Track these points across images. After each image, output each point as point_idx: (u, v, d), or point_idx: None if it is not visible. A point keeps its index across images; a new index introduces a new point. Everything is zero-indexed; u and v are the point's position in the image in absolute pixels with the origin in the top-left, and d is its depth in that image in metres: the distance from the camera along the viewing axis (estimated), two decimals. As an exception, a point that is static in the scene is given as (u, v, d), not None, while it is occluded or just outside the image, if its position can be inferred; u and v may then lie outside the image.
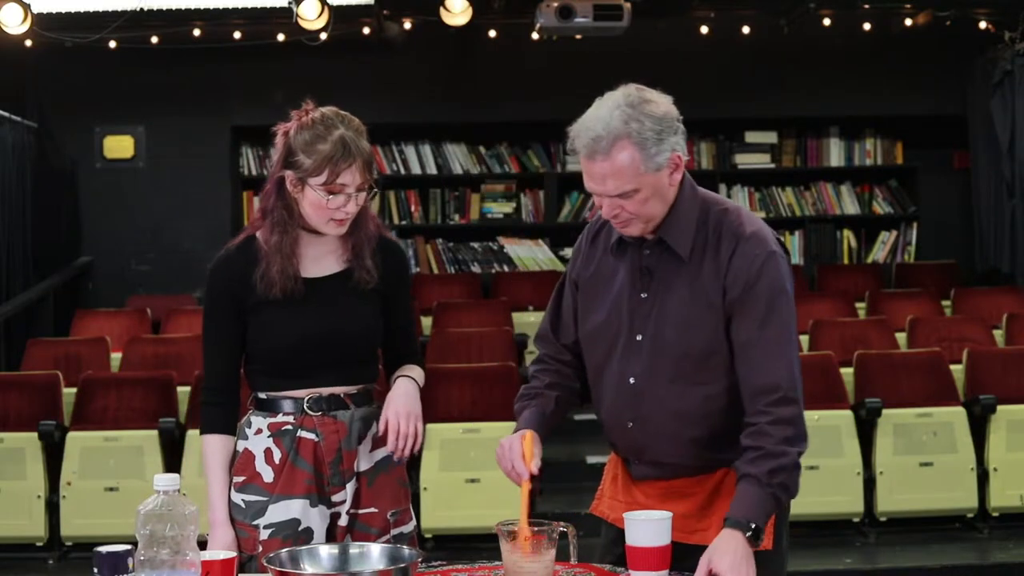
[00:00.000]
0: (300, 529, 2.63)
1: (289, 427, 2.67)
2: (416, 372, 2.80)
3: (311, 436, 2.66)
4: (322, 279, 2.69)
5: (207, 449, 2.69)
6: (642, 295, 2.50)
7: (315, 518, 2.65)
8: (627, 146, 2.36)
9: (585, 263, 2.62)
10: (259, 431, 2.68)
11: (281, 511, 2.64)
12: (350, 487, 2.67)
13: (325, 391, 2.68)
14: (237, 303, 2.68)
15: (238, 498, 2.66)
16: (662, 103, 2.42)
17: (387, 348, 2.82)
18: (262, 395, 2.72)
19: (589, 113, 2.40)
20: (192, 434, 6.10)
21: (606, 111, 2.37)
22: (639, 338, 2.49)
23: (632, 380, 2.49)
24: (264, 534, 2.63)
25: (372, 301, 2.73)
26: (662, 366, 2.47)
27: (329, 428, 2.67)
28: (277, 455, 2.66)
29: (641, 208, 2.41)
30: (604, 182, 2.38)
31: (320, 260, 2.71)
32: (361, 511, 2.69)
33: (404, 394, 2.70)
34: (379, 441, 2.72)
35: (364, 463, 2.70)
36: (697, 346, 2.44)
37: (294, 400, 2.68)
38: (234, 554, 2.21)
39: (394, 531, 2.71)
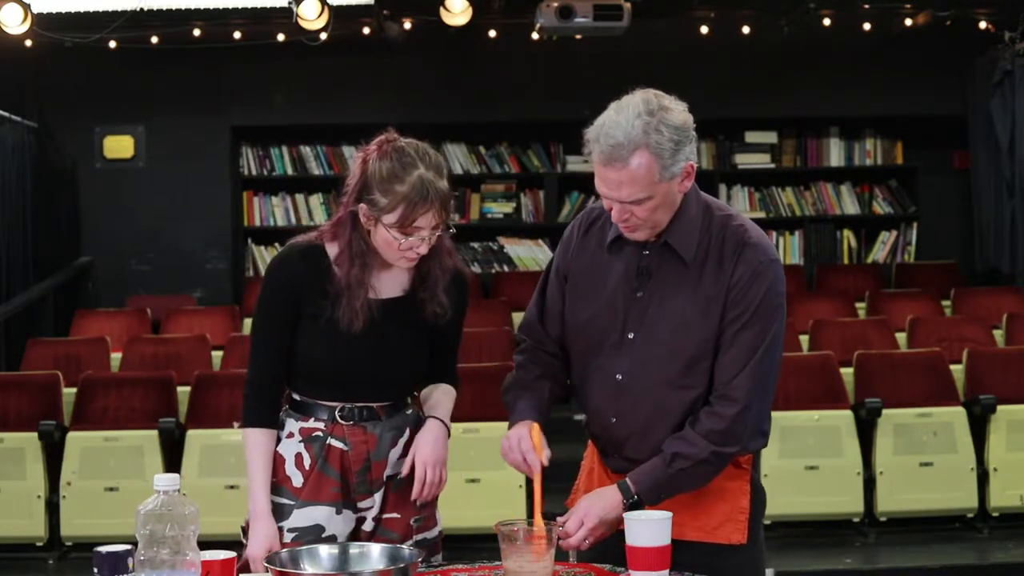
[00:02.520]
0: (323, 536, 2.63)
1: (319, 434, 2.66)
2: (448, 400, 2.77)
3: (340, 445, 2.66)
4: (380, 302, 2.64)
5: (249, 442, 2.67)
6: (637, 294, 2.51)
7: (339, 524, 2.65)
8: (646, 155, 2.36)
9: (576, 255, 2.62)
10: (291, 435, 2.68)
11: (306, 517, 2.64)
12: (378, 496, 2.67)
13: (359, 403, 2.67)
14: (292, 305, 2.64)
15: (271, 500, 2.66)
16: (679, 111, 2.42)
17: (429, 363, 2.77)
18: (297, 397, 2.71)
19: (608, 118, 2.39)
20: (192, 434, 6.10)
21: (626, 118, 2.36)
22: (631, 336, 2.50)
23: (619, 376, 2.51)
24: (287, 537, 2.63)
25: (425, 329, 2.69)
26: (651, 366, 2.48)
27: (358, 438, 2.66)
28: (307, 460, 2.66)
29: (650, 215, 2.43)
30: (619, 188, 2.39)
31: (382, 283, 2.65)
32: (384, 516, 2.69)
33: (432, 440, 2.66)
34: (409, 447, 2.71)
35: (391, 469, 2.69)
36: (689, 349, 2.46)
37: (327, 408, 2.67)
38: (232, 555, 2.19)
39: (416, 537, 2.70)
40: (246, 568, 2.57)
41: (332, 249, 2.64)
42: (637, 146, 2.35)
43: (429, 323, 2.68)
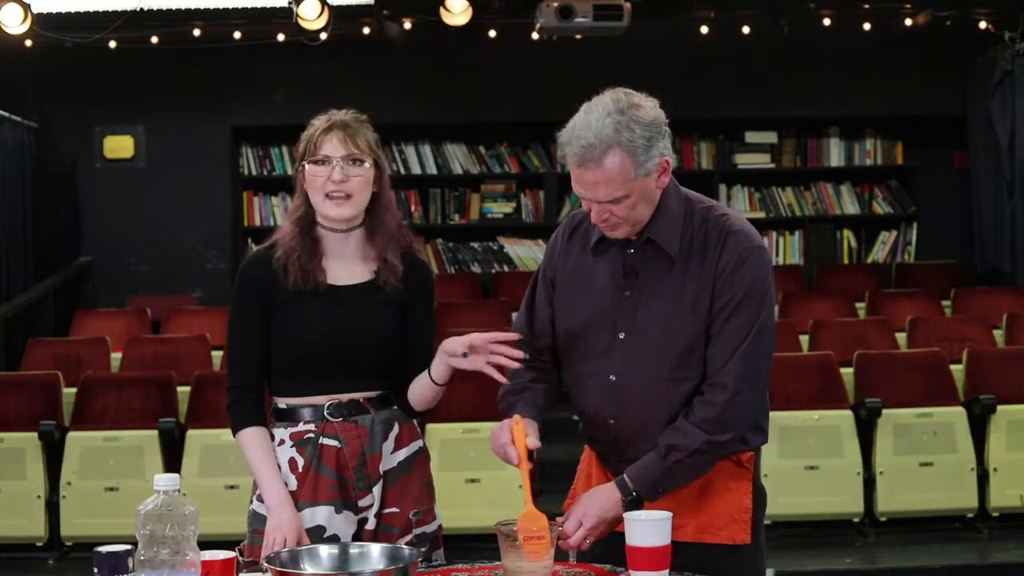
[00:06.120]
0: (325, 536, 2.62)
1: (311, 435, 2.67)
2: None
3: (333, 443, 2.66)
4: (348, 286, 2.70)
5: (246, 443, 2.68)
6: (625, 293, 2.51)
7: (341, 524, 2.65)
8: (618, 154, 2.36)
9: (562, 261, 2.63)
10: (282, 442, 2.69)
11: (306, 518, 2.63)
12: (376, 490, 2.67)
13: (345, 397, 2.67)
14: (264, 300, 2.69)
15: (264, 508, 2.65)
16: (650, 108, 2.43)
17: (405, 367, 2.76)
18: (282, 405, 2.72)
19: (579, 120, 2.40)
20: (192, 434, 6.10)
21: (596, 118, 2.37)
22: (621, 336, 2.50)
23: (613, 378, 2.51)
24: None
25: (395, 311, 2.73)
26: (644, 363, 2.48)
27: (351, 433, 2.66)
28: (301, 463, 2.66)
29: (630, 212, 2.43)
30: (595, 189, 2.40)
31: (347, 269, 2.72)
32: (384, 511, 2.69)
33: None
34: (400, 441, 2.72)
35: (386, 464, 2.70)
36: (680, 343, 2.46)
37: (314, 408, 2.68)
38: (232, 555, 2.19)
39: (416, 531, 2.70)
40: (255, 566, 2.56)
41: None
42: (609, 145, 2.36)
43: (396, 302, 2.71)
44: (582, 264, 2.59)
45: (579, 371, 2.57)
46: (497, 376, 2.52)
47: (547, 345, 2.65)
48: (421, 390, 2.72)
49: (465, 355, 2.58)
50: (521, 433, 2.45)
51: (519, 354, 2.50)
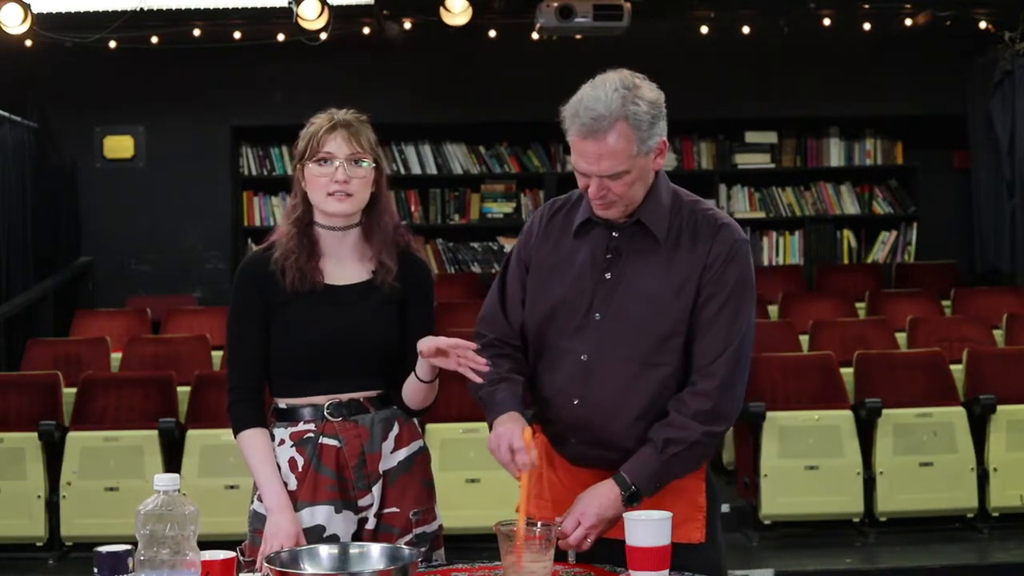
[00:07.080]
0: (325, 536, 2.62)
1: (311, 435, 2.67)
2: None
3: (333, 442, 2.66)
4: (346, 286, 2.71)
5: (246, 444, 2.68)
6: (606, 275, 2.51)
7: (340, 524, 2.64)
8: (625, 128, 2.39)
9: (539, 244, 2.63)
10: (282, 442, 2.69)
11: (306, 518, 2.63)
12: (376, 490, 2.67)
13: (345, 396, 2.67)
14: (263, 301, 2.69)
15: (263, 508, 2.65)
16: (652, 89, 2.47)
17: (405, 366, 2.72)
18: (282, 404, 2.72)
19: (586, 92, 2.42)
20: (192, 434, 6.10)
21: (605, 92, 2.40)
22: (597, 317, 2.50)
23: (584, 358, 2.50)
24: None
25: (394, 310, 2.72)
26: (619, 345, 2.48)
27: (351, 433, 2.66)
28: (300, 463, 2.66)
29: (627, 190, 2.45)
30: (598, 162, 2.41)
31: (345, 269, 2.72)
32: (384, 511, 2.69)
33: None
34: (400, 441, 2.72)
35: (385, 463, 2.69)
36: (661, 327, 2.47)
37: (314, 407, 2.68)
38: (232, 555, 2.19)
39: (416, 530, 2.70)
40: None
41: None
42: (617, 118, 2.38)
43: (394, 301, 2.71)
44: (561, 247, 2.59)
45: (548, 351, 2.56)
46: (472, 376, 2.49)
47: (519, 328, 2.64)
48: (411, 388, 2.71)
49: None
50: (531, 442, 2.42)
51: (483, 361, 2.47)
